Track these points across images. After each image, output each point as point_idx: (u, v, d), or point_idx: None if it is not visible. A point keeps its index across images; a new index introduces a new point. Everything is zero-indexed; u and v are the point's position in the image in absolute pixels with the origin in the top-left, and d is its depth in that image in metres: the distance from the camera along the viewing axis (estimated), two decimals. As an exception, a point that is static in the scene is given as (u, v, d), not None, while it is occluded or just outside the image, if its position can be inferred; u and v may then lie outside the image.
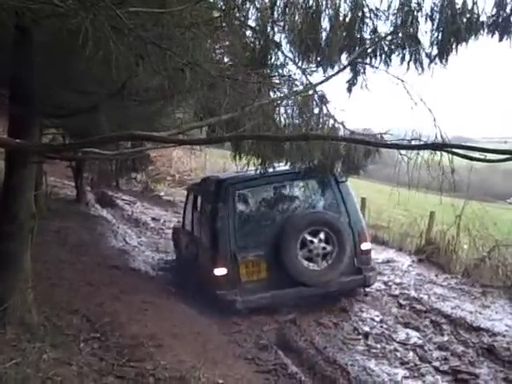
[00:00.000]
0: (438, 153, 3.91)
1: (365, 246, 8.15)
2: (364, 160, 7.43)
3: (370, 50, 5.91)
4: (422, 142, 3.90)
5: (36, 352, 4.80)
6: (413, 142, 3.96)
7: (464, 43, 5.72)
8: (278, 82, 5.79)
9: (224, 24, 3.53)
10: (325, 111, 6.46)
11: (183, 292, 8.40)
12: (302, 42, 5.58)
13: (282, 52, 5.62)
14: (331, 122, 6.56)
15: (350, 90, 6.16)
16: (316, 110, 6.46)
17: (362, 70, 6.04)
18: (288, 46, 5.71)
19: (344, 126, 6.64)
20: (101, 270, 9.04)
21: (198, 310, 7.55)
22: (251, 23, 5.46)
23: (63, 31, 3.59)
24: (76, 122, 8.43)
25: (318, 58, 5.89)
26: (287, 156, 6.90)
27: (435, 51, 5.78)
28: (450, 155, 3.82)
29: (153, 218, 16.88)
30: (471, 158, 3.67)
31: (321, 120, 6.46)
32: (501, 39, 5.59)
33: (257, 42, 5.41)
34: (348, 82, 6.09)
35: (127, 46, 3.23)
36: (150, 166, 21.22)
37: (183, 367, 5.16)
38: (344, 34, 5.68)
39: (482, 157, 3.54)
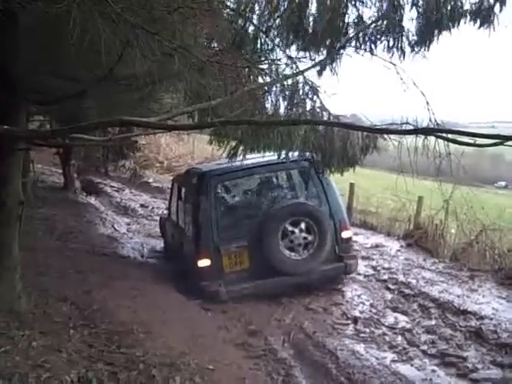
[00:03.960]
0: (429, 137, 3.91)
1: (345, 234, 8.25)
2: (361, 155, 7.42)
3: (355, 37, 5.92)
4: (411, 127, 3.89)
5: (25, 339, 4.79)
6: (403, 127, 3.95)
7: (447, 31, 5.75)
8: (266, 67, 5.76)
9: (210, 9, 3.50)
10: (318, 104, 6.43)
11: (172, 279, 8.41)
12: (290, 27, 5.56)
13: (271, 38, 5.59)
14: (325, 114, 6.54)
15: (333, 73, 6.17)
16: (308, 103, 6.42)
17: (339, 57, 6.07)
18: (275, 32, 5.70)
19: (338, 120, 6.63)
20: (89, 257, 9.01)
21: (186, 297, 7.56)
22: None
23: (50, 16, 3.54)
24: (64, 109, 8.34)
25: (305, 45, 5.89)
26: (276, 145, 6.84)
27: (417, 39, 5.80)
28: (439, 140, 3.83)
29: (141, 205, 16.82)
30: (460, 143, 3.69)
31: (314, 113, 6.43)
32: (480, 27, 5.61)
33: (243, 28, 5.38)
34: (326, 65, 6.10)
35: (114, 31, 3.19)
36: (138, 153, 21.06)
37: (173, 353, 5.17)
38: (328, 17, 5.67)
39: (471, 141, 3.55)
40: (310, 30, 5.83)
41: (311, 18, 5.77)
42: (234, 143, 7.03)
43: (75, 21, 2.78)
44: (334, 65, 6.14)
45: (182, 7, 3.22)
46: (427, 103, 4.76)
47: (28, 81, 5.43)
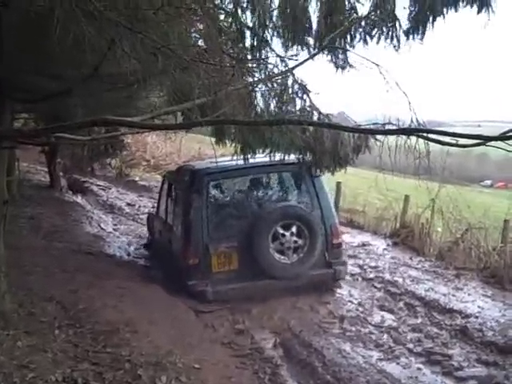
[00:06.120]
0: (412, 137, 3.92)
1: (336, 240, 8.15)
2: (353, 155, 7.36)
3: (348, 30, 5.90)
4: (394, 127, 3.90)
5: (10, 339, 4.78)
6: (386, 127, 3.96)
7: (441, 17, 5.72)
8: (253, 66, 5.75)
9: (197, 7, 3.49)
10: (308, 103, 6.41)
11: (158, 277, 8.40)
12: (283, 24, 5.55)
13: (258, 36, 5.57)
14: (315, 114, 6.51)
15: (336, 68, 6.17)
16: (298, 102, 6.39)
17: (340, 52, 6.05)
18: (266, 29, 5.68)
19: (329, 119, 6.60)
20: (75, 256, 8.97)
21: (173, 296, 7.54)
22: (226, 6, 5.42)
23: (33, 14, 3.52)
24: (49, 107, 8.30)
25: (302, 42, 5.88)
26: (269, 144, 6.79)
27: (411, 26, 5.77)
28: (423, 140, 3.84)
29: (128, 204, 16.75)
30: (442, 143, 3.70)
31: (305, 112, 6.40)
32: (479, 11, 5.56)
33: (231, 26, 5.36)
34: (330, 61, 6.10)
35: (99, 29, 3.17)
36: (125, 151, 20.95)
37: (159, 352, 5.17)
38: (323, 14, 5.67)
39: (454, 141, 3.57)
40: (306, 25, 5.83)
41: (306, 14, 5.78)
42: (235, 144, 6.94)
43: (58, 19, 2.77)
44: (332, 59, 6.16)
45: (165, 6, 3.21)
46: (409, 103, 4.77)
47: (12, 79, 5.39)
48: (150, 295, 7.37)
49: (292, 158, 7.36)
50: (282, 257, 7.72)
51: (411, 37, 5.87)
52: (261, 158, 7.45)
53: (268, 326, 6.97)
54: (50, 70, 5.66)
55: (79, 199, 16.34)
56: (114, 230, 13.17)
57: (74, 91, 5.37)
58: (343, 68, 6.23)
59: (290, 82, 6.20)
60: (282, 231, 7.70)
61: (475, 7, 5.57)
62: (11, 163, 10.94)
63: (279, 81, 6.13)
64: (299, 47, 5.99)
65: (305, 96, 6.38)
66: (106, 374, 4.54)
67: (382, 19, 5.81)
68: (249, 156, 6.99)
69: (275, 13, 5.68)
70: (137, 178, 21.21)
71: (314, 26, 5.92)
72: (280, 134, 6.13)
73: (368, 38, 6.00)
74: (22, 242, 8.64)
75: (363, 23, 5.97)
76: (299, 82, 6.25)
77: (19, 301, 5.76)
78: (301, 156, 7.29)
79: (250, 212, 8.03)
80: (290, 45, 5.91)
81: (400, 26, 5.86)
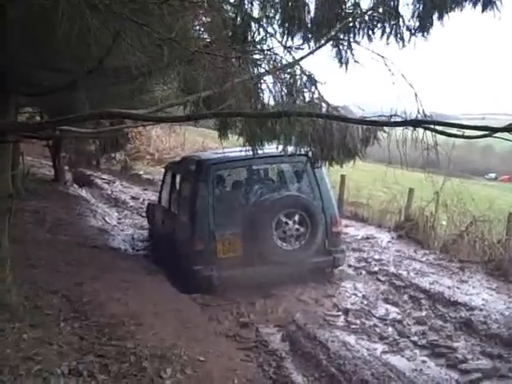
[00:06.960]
0: (418, 129, 3.91)
1: (335, 229, 8.42)
2: (361, 147, 7.36)
3: (351, 25, 5.87)
4: (400, 119, 3.89)
5: (16, 332, 4.79)
6: (392, 119, 3.95)
7: (446, 15, 5.69)
8: (258, 57, 5.72)
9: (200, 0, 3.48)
10: (316, 95, 6.38)
11: (162, 269, 8.43)
12: (286, 16, 5.51)
13: (263, 27, 5.54)
14: (324, 106, 6.49)
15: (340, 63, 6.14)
16: (307, 94, 6.36)
17: (345, 46, 6.01)
18: (270, 20, 5.65)
19: (338, 112, 6.58)
20: (80, 249, 8.99)
21: (178, 288, 7.58)
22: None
23: (38, 7, 3.52)
24: (54, 101, 8.30)
25: (302, 34, 5.84)
26: (280, 136, 6.77)
27: (416, 24, 5.74)
28: (429, 131, 3.83)
29: (132, 197, 16.80)
30: (449, 135, 3.69)
31: (314, 105, 6.37)
32: (483, 10, 5.55)
33: (237, 18, 5.33)
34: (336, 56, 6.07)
35: (104, 22, 3.17)
36: (129, 145, 20.97)
37: (164, 345, 5.18)
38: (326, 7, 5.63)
39: (460, 133, 3.56)
40: (307, 18, 5.79)
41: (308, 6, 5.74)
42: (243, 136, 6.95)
43: (63, 12, 2.77)
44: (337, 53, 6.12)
45: (171, -1, 3.21)
46: (416, 95, 4.75)
47: (17, 73, 5.39)
48: (154, 288, 7.40)
49: (293, 149, 7.39)
50: (285, 244, 7.93)
51: (415, 34, 5.84)
52: (266, 149, 7.49)
53: (272, 319, 6.98)
54: (54, 64, 5.66)
55: (84, 193, 16.38)
56: (118, 223, 13.22)
57: (78, 85, 5.36)
58: (346, 63, 6.21)
59: (297, 73, 6.18)
60: (285, 219, 7.91)
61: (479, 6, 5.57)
62: (15, 157, 10.94)
63: (287, 72, 6.11)
64: (302, 40, 5.97)
65: (313, 88, 6.36)
66: (111, 367, 4.56)
67: (386, 15, 5.79)
68: (258, 148, 7.02)
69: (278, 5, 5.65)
70: (141, 172, 21.25)
71: (317, 17, 5.89)
72: (290, 127, 6.10)
73: (371, 33, 5.99)
74: (27, 236, 8.66)
75: (366, 18, 5.95)
76: (307, 73, 6.23)
77: (25, 294, 5.77)
78: (309, 149, 7.29)
79: (254, 201, 8.28)
80: (292, 37, 5.89)
81: (404, 23, 5.83)
